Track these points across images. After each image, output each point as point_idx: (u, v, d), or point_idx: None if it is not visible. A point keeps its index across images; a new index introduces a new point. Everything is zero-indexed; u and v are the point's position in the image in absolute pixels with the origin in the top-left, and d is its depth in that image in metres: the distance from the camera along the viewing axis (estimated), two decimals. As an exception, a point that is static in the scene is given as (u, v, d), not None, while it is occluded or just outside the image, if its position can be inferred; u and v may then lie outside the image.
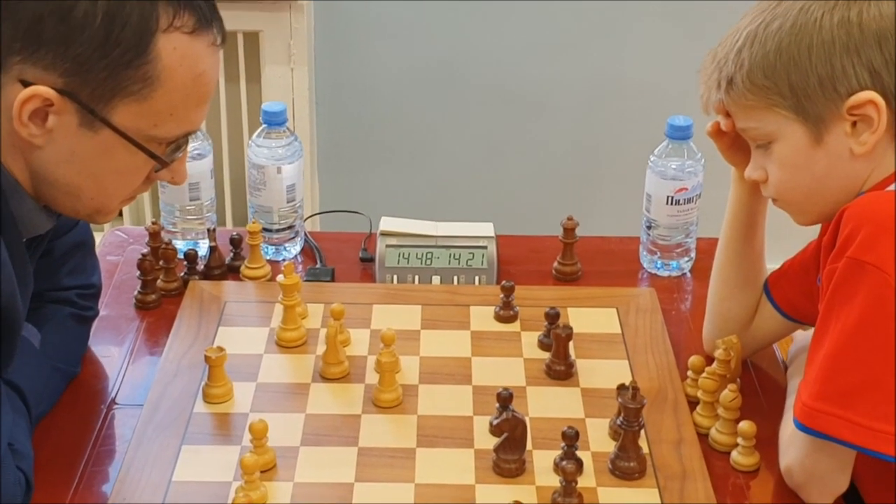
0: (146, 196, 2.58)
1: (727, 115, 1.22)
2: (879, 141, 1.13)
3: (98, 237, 1.60)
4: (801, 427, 1.12)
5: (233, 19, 2.31)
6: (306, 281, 1.55)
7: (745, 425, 1.23)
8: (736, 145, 1.27)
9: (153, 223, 1.54)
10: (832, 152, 1.14)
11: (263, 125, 1.57)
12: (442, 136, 2.74)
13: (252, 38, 2.49)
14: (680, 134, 1.53)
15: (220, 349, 1.31)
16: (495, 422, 1.22)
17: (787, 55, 1.13)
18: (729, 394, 1.26)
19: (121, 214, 2.71)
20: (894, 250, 1.06)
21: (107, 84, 1.06)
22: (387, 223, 1.58)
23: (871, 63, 1.11)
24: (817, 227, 1.24)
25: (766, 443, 1.24)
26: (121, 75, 1.06)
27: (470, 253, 1.56)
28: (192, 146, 1.56)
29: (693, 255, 1.60)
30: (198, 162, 1.56)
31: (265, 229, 1.58)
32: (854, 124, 1.13)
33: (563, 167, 2.75)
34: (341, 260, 1.62)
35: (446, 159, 2.76)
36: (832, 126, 1.13)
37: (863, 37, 1.10)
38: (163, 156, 1.13)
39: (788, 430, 1.20)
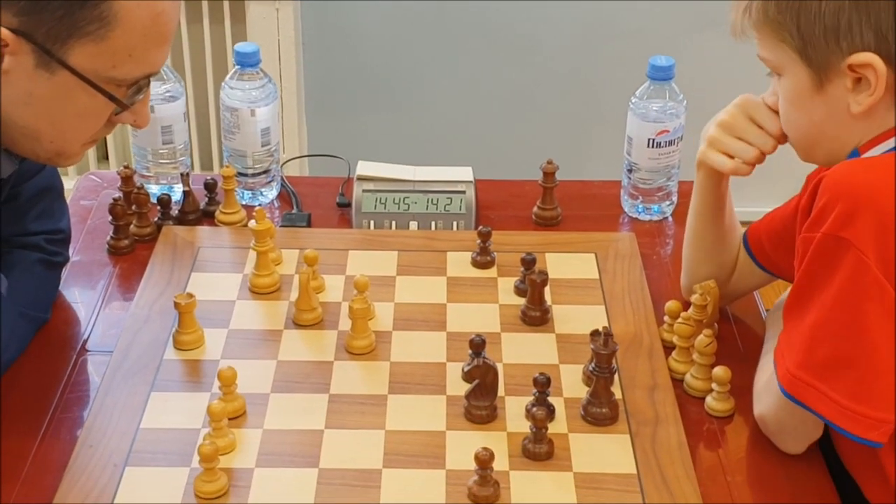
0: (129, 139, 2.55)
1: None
2: (878, 104, 1.10)
3: (70, 182, 1.58)
4: (785, 393, 1.11)
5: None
6: (282, 226, 1.53)
7: (720, 371, 1.21)
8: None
9: (125, 167, 1.51)
10: (831, 102, 1.12)
11: (236, 66, 1.54)
12: (428, 79, 2.71)
13: (235, -23, 2.46)
14: (662, 74, 1.50)
15: (190, 295, 1.29)
16: (467, 368, 1.21)
17: None
18: (704, 339, 1.25)
19: (107, 158, 2.69)
20: (872, 227, 1.04)
21: (62, 24, 1.04)
22: (364, 167, 1.55)
23: (878, 25, 1.08)
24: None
25: (742, 389, 1.23)
26: (76, 15, 1.04)
27: (448, 198, 1.53)
28: (164, 88, 1.54)
29: (675, 198, 1.58)
30: (170, 104, 1.54)
31: (240, 174, 1.56)
32: (858, 80, 1.10)
33: (545, 110, 2.72)
34: (318, 205, 1.60)
35: (433, 102, 2.73)
36: (834, 77, 1.11)
37: None
38: (123, 98, 1.11)
39: (764, 378, 1.19)
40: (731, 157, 1.24)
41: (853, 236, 1.05)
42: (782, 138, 1.21)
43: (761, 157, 1.24)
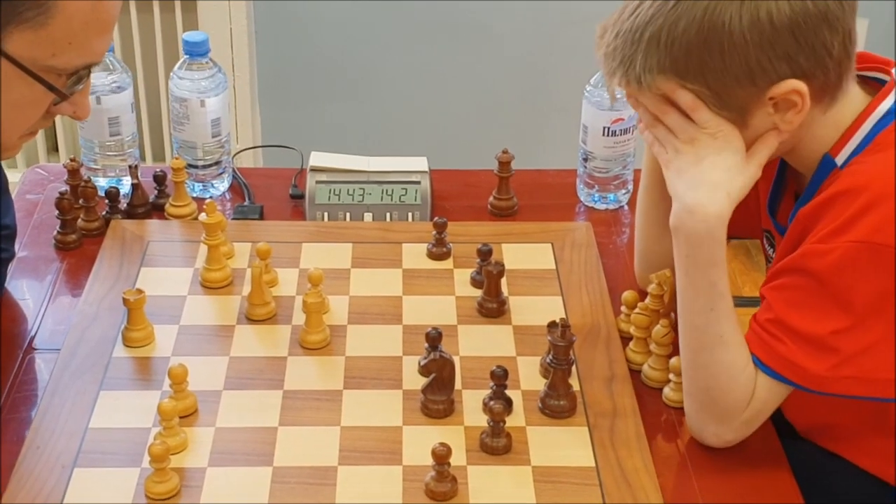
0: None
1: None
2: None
3: (17, 175, 1.54)
4: (816, 392, 1.11)
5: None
6: (234, 219, 1.51)
7: (677, 361, 1.21)
8: None
9: (72, 160, 1.48)
10: (758, 129, 1.12)
11: (185, 56, 1.51)
12: (383, 69, 2.69)
13: (186, -35, 2.42)
14: (616, 63, 1.49)
15: (140, 291, 1.26)
16: (423, 362, 1.20)
17: (699, 59, 1.08)
18: (661, 329, 1.24)
19: (57, 150, 2.64)
20: None
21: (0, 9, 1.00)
22: (317, 158, 1.53)
23: (785, 52, 1.07)
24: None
25: (699, 379, 1.22)
26: (14, 1, 1.00)
27: (403, 188, 1.51)
28: (111, 78, 1.50)
29: (630, 187, 1.57)
30: (117, 95, 1.50)
31: (190, 165, 1.53)
32: (776, 104, 1.10)
33: (500, 99, 2.71)
34: (271, 197, 1.57)
35: (388, 92, 2.71)
36: (755, 110, 1.11)
37: (775, 32, 1.07)
38: (63, 88, 1.08)
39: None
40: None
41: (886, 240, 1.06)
42: None
43: None
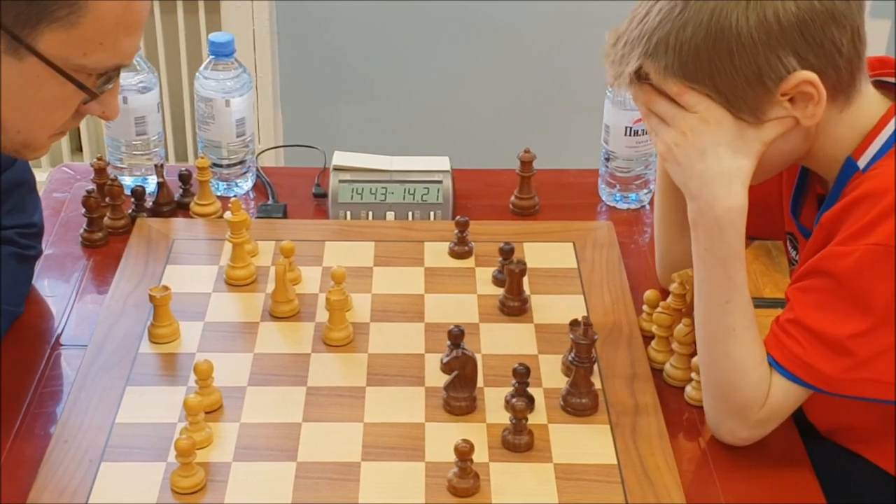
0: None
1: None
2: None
3: (41, 175, 1.56)
4: (834, 394, 1.11)
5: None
6: (258, 217, 1.52)
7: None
8: None
9: (98, 159, 1.49)
10: (777, 128, 1.12)
11: (211, 56, 1.52)
12: (405, 68, 2.69)
13: (209, -33, 2.44)
14: (639, 63, 1.49)
15: (165, 288, 1.28)
16: (445, 359, 1.20)
17: (708, 62, 1.08)
18: (683, 328, 1.24)
19: (81, 150, 2.67)
20: None
21: (32, 8, 1.02)
22: (340, 158, 1.54)
23: (795, 51, 1.08)
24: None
25: (721, 377, 1.22)
26: (46, 0, 1.02)
27: (425, 188, 1.52)
28: (137, 78, 1.52)
29: (652, 186, 1.57)
30: (143, 95, 1.52)
31: (215, 165, 1.54)
32: (791, 99, 1.10)
33: (522, 99, 2.71)
34: (294, 196, 1.58)
35: (409, 92, 2.72)
36: (769, 109, 1.11)
37: (783, 31, 1.07)
38: (93, 87, 1.09)
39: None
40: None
41: None
42: None
43: None
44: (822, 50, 1.08)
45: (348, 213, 1.51)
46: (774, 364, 1.12)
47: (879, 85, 1.17)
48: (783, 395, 1.13)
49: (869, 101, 1.14)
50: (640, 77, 1.13)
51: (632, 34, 1.13)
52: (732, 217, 1.11)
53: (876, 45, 2.16)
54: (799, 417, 1.21)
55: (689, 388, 1.23)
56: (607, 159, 1.55)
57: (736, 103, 1.10)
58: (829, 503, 1.13)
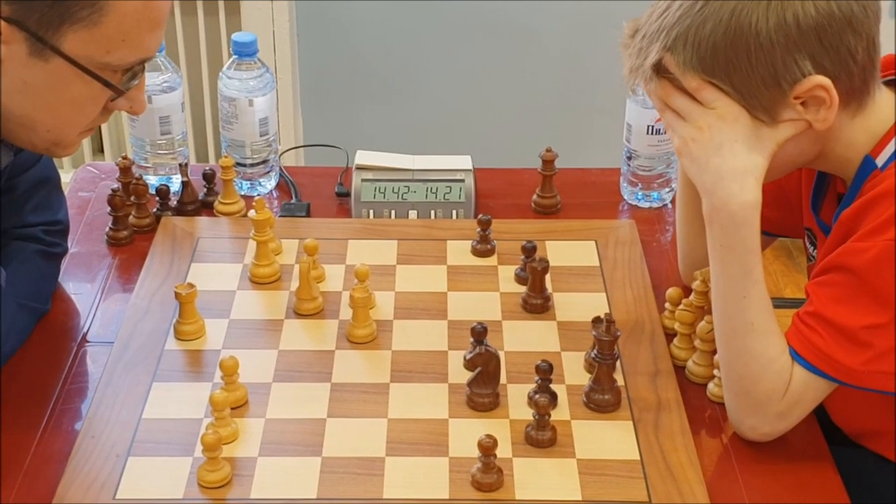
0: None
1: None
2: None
3: (65, 176, 1.57)
4: (853, 386, 1.12)
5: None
6: (281, 216, 1.53)
7: (722, 357, 1.21)
8: None
9: (123, 158, 1.51)
10: (790, 129, 1.12)
11: (234, 56, 1.53)
12: (426, 67, 2.70)
13: (230, -31, 2.45)
14: (660, 62, 1.50)
15: (191, 286, 1.29)
16: (469, 356, 1.21)
17: (725, 59, 1.09)
18: (706, 325, 1.24)
19: (103, 150, 2.69)
20: None
21: (54, 10, 1.03)
22: (362, 157, 1.55)
23: (811, 55, 1.09)
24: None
25: (743, 375, 1.23)
26: (67, 1, 1.03)
27: (447, 186, 1.53)
28: (161, 78, 1.53)
29: (674, 185, 1.57)
30: (168, 95, 1.53)
31: (239, 164, 1.56)
32: (803, 103, 1.11)
33: (543, 98, 2.71)
34: (317, 195, 1.59)
35: (431, 91, 2.72)
36: (782, 111, 1.11)
37: (801, 34, 1.08)
38: (118, 84, 1.10)
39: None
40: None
41: None
42: None
43: None
44: (838, 55, 1.09)
45: (371, 211, 1.52)
46: (795, 355, 1.12)
47: (892, 84, 1.17)
48: (803, 387, 1.13)
49: (884, 104, 1.15)
50: (658, 71, 1.14)
51: (651, 27, 1.14)
52: (747, 213, 1.12)
53: (885, 45, 2.16)
54: (825, 423, 1.21)
55: (711, 385, 1.24)
56: (629, 158, 1.56)
57: (751, 102, 1.11)
58: (853, 503, 1.13)
